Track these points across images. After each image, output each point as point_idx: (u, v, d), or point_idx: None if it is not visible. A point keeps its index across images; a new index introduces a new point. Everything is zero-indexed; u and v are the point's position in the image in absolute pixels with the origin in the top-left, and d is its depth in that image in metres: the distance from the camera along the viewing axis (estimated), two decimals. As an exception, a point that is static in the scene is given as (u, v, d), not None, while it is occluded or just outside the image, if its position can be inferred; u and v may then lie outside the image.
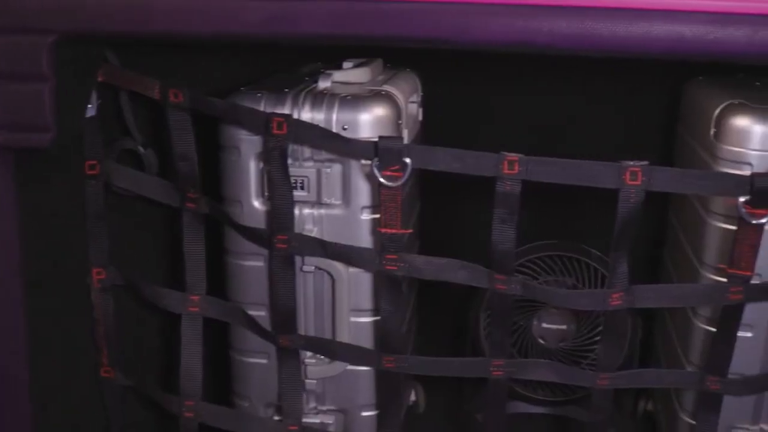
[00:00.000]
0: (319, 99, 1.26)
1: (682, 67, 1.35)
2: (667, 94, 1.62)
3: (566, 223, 1.72)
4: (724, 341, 1.24)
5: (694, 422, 1.33)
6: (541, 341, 1.60)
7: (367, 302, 1.32)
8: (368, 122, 1.24)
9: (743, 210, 1.14)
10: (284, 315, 1.30)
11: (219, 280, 1.37)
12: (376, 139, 1.18)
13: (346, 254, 1.26)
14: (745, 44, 1.02)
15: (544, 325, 1.61)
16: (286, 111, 1.25)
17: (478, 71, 1.67)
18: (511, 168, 1.15)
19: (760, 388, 1.30)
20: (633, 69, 1.57)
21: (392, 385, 1.36)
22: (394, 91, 1.30)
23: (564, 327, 1.61)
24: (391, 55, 1.48)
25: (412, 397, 1.62)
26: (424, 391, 1.66)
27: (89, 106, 1.27)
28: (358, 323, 1.33)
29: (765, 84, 1.42)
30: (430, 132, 1.53)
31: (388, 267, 1.23)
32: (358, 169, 1.26)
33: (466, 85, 1.73)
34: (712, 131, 1.27)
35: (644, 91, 1.70)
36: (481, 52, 1.18)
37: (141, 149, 1.38)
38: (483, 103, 1.75)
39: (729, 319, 1.23)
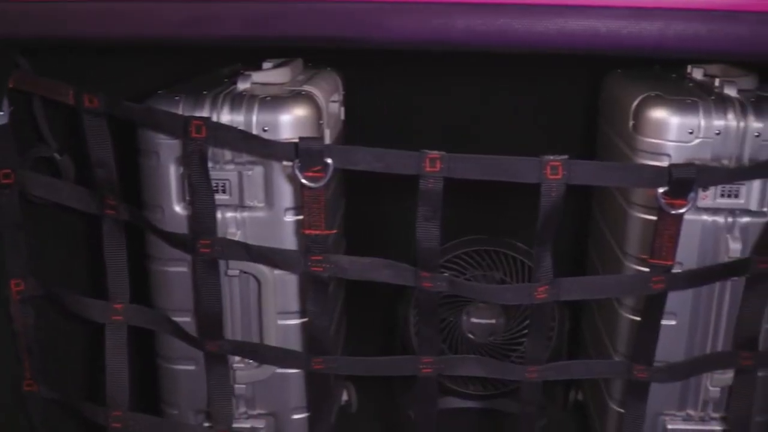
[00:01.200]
0: (239, 101, 1.24)
1: (600, 60, 1.37)
2: (587, 87, 1.63)
3: (494, 218, 1.73)
4: (648, 330, 1.26)
5: (622, 410, 1.35)
6: (471, 336, 1.61)
7: (293, 304, 1.31)
8: (289, 123, 1.23)
9: (662, 201, 1.16)
10: (210, 320, 1.28)
11: (143, 288, 1.35)
12: (297, 140, 1.17)
13: (271, 257, 1.24)
14: (658, 38, 1.04)
15: (473, 320, 1.61)
16: (204, 114, 1.23)
17: (399, 69, 1.67)
18: (433, 166, 1.15)
19: (685, 375, 1.32)
20: (554, 63, 1.59)
21: (323, 387, 1.35)
22: (314, 91, 1.29)
23: (493, 321, 1.62)
24: (312, 54, 1.47)
25: (344, 397, 1.61)
26: (356, 390, 1.65)
27: (0, 113, 1.23)
28: (285, 326, 1.32)
29: (680, 76, 1.45)
30: (352, 131, 1.52)
31: (314, 268, 1.23)
32: (279, 170, 1.24)
33: (388, 83, 1.73)
34: (630, 123, 1.29)
35: (565, 85, 1.72)
36: (402, 50, 1.18)
37: (57, 156, 1.35)
38: (405, 100, 1.75)
39: (653, 308, 1.24)
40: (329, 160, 1.16)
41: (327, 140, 1.30)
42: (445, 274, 1.28)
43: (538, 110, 1.74)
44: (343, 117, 1.48)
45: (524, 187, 1.16)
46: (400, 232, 1.33)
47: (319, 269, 1.22)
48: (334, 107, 1.41)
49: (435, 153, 1.15)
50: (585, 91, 1.66)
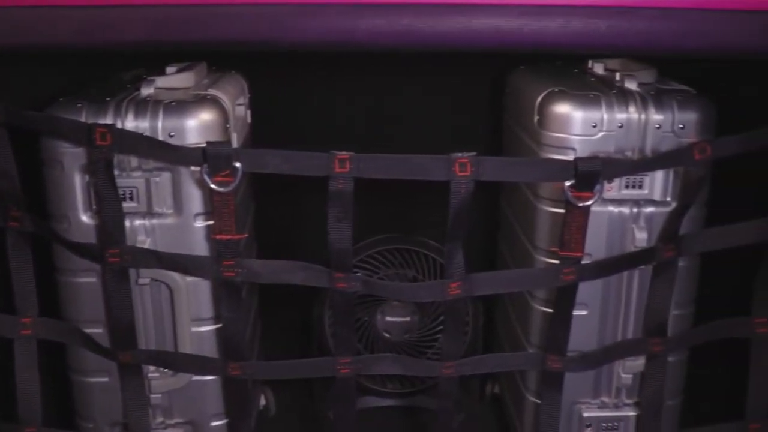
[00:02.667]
0: (143, 107, 1.22)
1: (505, 57, 1.39)
2: (494, 84, 1.65)
3: (406, 216, 1.74)
4: (561, 321, 1.28)
5: (538, 401, 1.37)
6: (387, 335, 1.62)
7: (207, 311, 1.29)
8: (195, 128, 1.21)
9: (569, 194, 1.18)
10: (123, 330, 1.26)
11: (52, 300, 1.32)
12: (204, 145, 1.16)
13: (182, 263, 1.23)
14: (559, 35, 1.06)
15: (389, 318, 1.62)
16: (108, 121, 1.21)
17: (307, 70, 1.66)
18: (342, 166, 1.15)
19: (598, 363, 1.34)
20: (461, 61, 1.60)
21: (240, 392, 1.34)
22: (220, 95, 1.28)
23: (408, 319, 1.62)
24: (216, 57, 1.46)
25: (263, 402, 1.60)
26: (274, 394, 1.64)
27: None
28: (200, 333, 1.30)
29: (582, 71, 1.47)
30: (260, 134, 1.51)
31: (226, 273, 1.22)
32: (188, 176, 1.23)
33: (296, 85, 1.72)
34: (535, 119, 1.31)
35: (472, 82, 1.73)
36: (307, 51, 1.18)
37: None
38: (314, 102, 1.75)
39: (564, 299, 1.27)
40: (237, 164, 1.15)
41: (234, 144, 1.29)
42: (359, 274, 1.29)
43: (447, 108, 1.76)
44: (250, 120, 1.46)
45: (434, 185, 1.17)
46: (313, 233, 1.32)
47: (231, 274, 1.21)
48: (241, 110, 1.40)
49: (344, 153, 1.15)
50: (492, 87, 1.68)
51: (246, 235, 1.28)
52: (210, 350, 1.31)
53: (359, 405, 1.63)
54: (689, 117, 1.26)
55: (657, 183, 1.28)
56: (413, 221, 1.70)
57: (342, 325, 1.30)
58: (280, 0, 1.08)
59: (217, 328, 1.30)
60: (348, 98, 1.74)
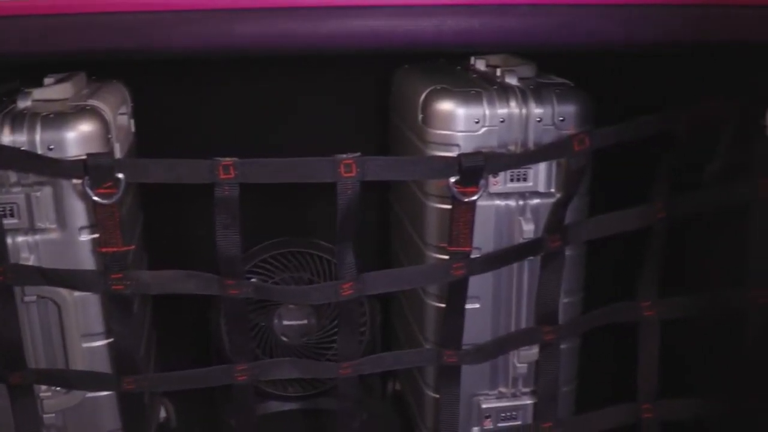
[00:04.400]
0: (20, 120, 1.19)
1: (389, 57, 1.39)
2: (378, 83, 1.66)
3: (298, 219, 1.74)
4: (454, 315, 1.30)
5: (437, 396, 1.38)
6: (285, 339, 1.61)
7: (98, 325, 1.27)
8: (75, 140, 1.18)
9: (455, 190, 1.19)
10: (10, 351, 1.23)
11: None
12: (85, 157, 1.13)
13: (69, 279, 1.20)
14: (434, 34, 1.07)
15: (286, 322, 1.61)
16: (-16, 136, 1.18)
17: (190, 76, 1.64)
18: (227, 172, 1.14)
19: (493, 355, 1.36)
20: (345, 61, 1.61)
21: (137, 407, 1.32)
22: (100, 105, 1.25)
23: (305, 322, 1.62)
24: (95, 67, 1.43)
25: (163, 414, 1.58)
26: (174, 405, 1.62)
27: None
28: (91, 348, 1.28)
29: (464, 68, 1.49)
30: (146, 143, 1.49)
31: (115, 287, 1.20)
32: (70, 189, 1.20)
33: (181, 92, 1.70)
34: (419, 117, 1.32)
35: (359, 82, 1.74)
36: (188, 58, 1.17)
37: None
38: (200, 108, 1.73)
39: (456, 294, 1.28)
40: (120, 175, 1.14)
41: (117, 154, 1.27)
42: (253, 280, 1.28)
43: (334, 108, 1.75)
44: (133, 129, 1.44)
45: (322, 187, 1.17)
46: (204, 241, 1.31)
47: (120, 287, 1.20)
48: (123, 120, 1.38)
49: (228, 160, 1.14)
50: (378, 87, 1.69)
51: (133, 247, 1.26)
52: (103, 365, 1.28)
53: (261, 410, 1.63)
54: (568, 109, 1.29)
55: (541, 175, 1.31)
56: (309, 223, 1.70)
57: (237, 331, 1.29)
58: (157, 7, 1.06)
59: (109, 343, 1.28)
60: (234, 103, 1.73)
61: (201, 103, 1.72)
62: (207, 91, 1.71)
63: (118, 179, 1.14)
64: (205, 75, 1.65)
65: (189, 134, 1.70)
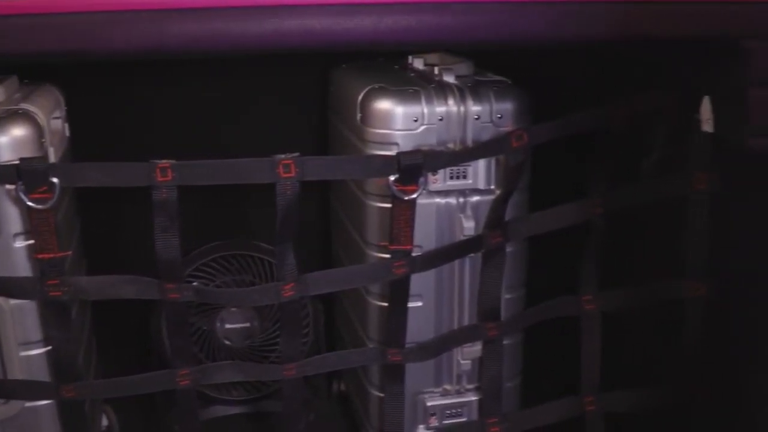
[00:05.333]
0: (-50, 126, 1.17)
1: (328, 56, 1.39)
2: (318, 83, 1.66)
3: (238, 220, 1.73)
4: (397, 314, 1.30)
5: (382, 394, 1.38)
6: (228, 342, 1.60)
7: (35, 333, 1.24)
8: (7, 144, 1.16)
9: (394, 188, 1.20)
10: (-55, 361, 1.21)
11: None
12: (18, 162, 1.11)
13: (5, 286, 1.18)
14: (372, 32, 1.07)
15: (228, 326, 1.60)
16: None
17: (127, 78, 1.62)
18: (165, 175, 1.13)
19: (437, 352, 1.36)
20: (284, 61, 1.60)
21: (78, 415, 1.30)
22: (33, 109, 1.23)
23: (248, 325, 1.61)
24: (28, 70, 1.40)
25: (104, 422, 1.56)
26: (116, 412, 1.60)
27: None
28: (29, 356, 1.25)
29: (402, 67, 1.50)
30: (83, 147, 1.46)
31: (52, 293, 1.17)
32: (3, 195, 1.17)
33: (117, 95, 1.68)
34: (358, 116, 1.32)
35: (297, 82, 1.73)
36: (123, 60, 1.15)
37: None
38: (136, 111, 1.71)
39: (398, 292, 1.28)
40: (55, 180, 1.12)
41: (51, 159, 1.25)
42: (194, 283, 1.27)
43: (274, 108, 1.75)
44: (68, 134, 1.42)
45: (262, 188, 1.17)
46: (143, 245, 1.30)
47: (57, 293, 1.18)
48: (57, 124, 1.35)
49: (165, 162, 1.13)
50: (317, 86, 1.68)
51: (70, 253, 1.24)
52: (42, 374, 1.26)
53: (206, 415, 1.62)
54: (506, 106, 1.30)
55: (480, 172, 1.31)
56: (250, 225, 1.69)
57: (178, 335, 1.28)
58: (87, 8, 1.05)
59: (48, 350, 1.25)
60: (172, 105, 1.71)
61: (137, 105, 1.70)
62: (143, 93, 1.69)
63: (53, 184, 1.12)
64: (141, 77, 1.63)
65: (126, 138, 1.68)
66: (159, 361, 1.59)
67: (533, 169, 1.35)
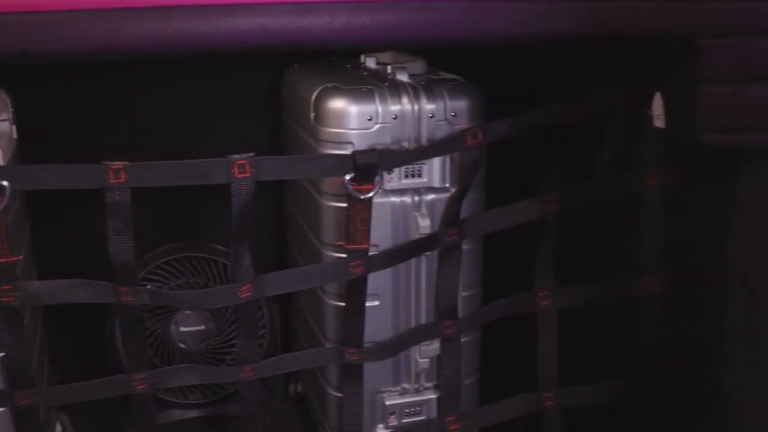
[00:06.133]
0: None
1: (282, 55, 1.38)
2: (272, 83, 1.65)
3: (192, 223, 1.71)
4: (354, 313, 1.30)
5: (341, 395, 1.38)
6: (183, 346, 1.58)
7: (-13, 340, 1.23)
8: (-47, 148, 1.15)
9: (350, 187, 1.19)
10: None
11: None
12: None
13: None
14: (326, 31, 1.06)
15: (183, 329, 1.58)
16: None
17: (76, 79, 1.60)
18: (118, 177, 1.12)
19: (395, 351, 1.36)
20: (237, 61, 1.59)
21: (32, 422, 1.28)
22: (-21, 112, 1.21)
23: (203, 327, 1.60)
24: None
25: (59, 429, 1.54)
26: (71, 419, 1.58)
27: None
28: (-20, 364, 1.24)
29: (355, 66, 1.49)
30: (30, 150, 1.44)
31: (4, 299, 1.15)
32: (-48, 199, 1.16)
33: (65, 96, 1.65)
34: (312, 116, 1.32)
35: (250, 82, 1.72)
36: (72, 61, 1.13)
37: None
38: (86, 112, 1.68)
39: (355, 292, 1.28)
40: (5, 183, 1.10)
41: (0, 162, 1.23)
42: (147, 286, 1.25)
43: (229, 109, 1.73)
44: (16, 136, 1.40)
45: (217, 188, 1.16)
46: (97, 248, 1.28)
47: (8, 299, 1.15)
48: (4, 127, 1.32)
49: (118, 164, 1.12)
50: (271, 86, 1.67)
51: (21, 257, 1.22)
52: (-7, 381, 1.24)
53: (162, 420, 1.60)
54: (460, 105, 1.30)
55: (435, 170, 1.32)
56: (205, 226, 1.67)
57: (133, 339, 1.26)
58: (37, 8, 1.03)
59: (0, 357, 1.23)
60: (124, 106, 1.69)
61: (88, 107, 1.68)
62: (94, 95, 1.67)
63: (2, 187, 1.10)
64: (92, 78, 1.61)
65: (77, 140, 1.66)
66: (113, 366, 1.57)
67: (488, 166, 1.35)
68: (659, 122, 1.22)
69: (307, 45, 1.08)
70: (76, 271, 1.22)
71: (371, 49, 1.46)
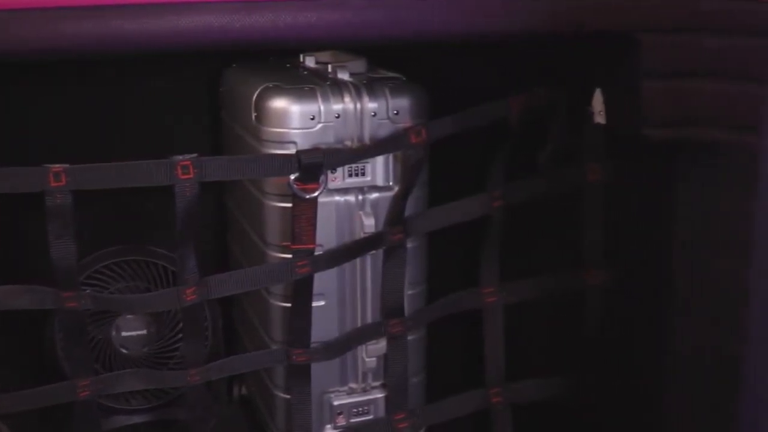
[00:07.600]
0: None
1: (219, 55, 1.36)
2: (210, 83, 1.63)
3: (131, 225, 1.69)
4: (300, 314, 1.29)
5: (288, 396, 1.37)
6: (125, 351, 1.56)
7: None
8: None
9: (295, 187, 1.19)
10: None
11: None
12: None
13: None
14: (270, 30, 1.05)
15: (124, 333, 1.56)
16: None
17: (14, 80, 1.56)
18: (58, 180, 1.10)
19: (342, 351, 1.36)
20: (173, 60, 1.56)
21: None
22: None
23: (144, 332, 1.58)
24: None
25: (-2, 439, 1.51)
26: (12, 427, 1.54)
27: None
28: None
29: (294, 65, 1.48)
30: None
31: None
32: None
33: (4, 97, 1.62)
34: (253, 115, 1.31)
35: (190, 82, 1.70)
36: (9, 61, 1.11)
37: None
38: (23, 114, 1.65)
39: (301, 292, 1.27)
40: None
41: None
42: (88, 291, 1.24)
43: (168, 110, 1.71)
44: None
45: (161, 190, 1.14)
46: (37, 253, 1.25)
47: None
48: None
49: (58, 166, 1.10)
50: (209, 86, 1.66)
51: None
52: (-68, 391, 1.21)
53: (106, 426, 1.57)
54: (402, 103, 1.30)
55: (379, 169, 1.31)
56: (141, 229, 1.65)
57: (76, 345, 1.24)
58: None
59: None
60: (63, 108, 1.66)
61: (26, 108, 1.64)
62: (30, 96, 1.63)
63: None
64: (28, 78, 1.57)
65: (14, 143, 1.62)
66: (55, 372, 1.54)
67: (432, 164, 1.36)
68: (600, 118, 1.23)
69: (251, 44, 1.07)
70: (15, 278, 1.20)
71: (317, 47, 1.45)
